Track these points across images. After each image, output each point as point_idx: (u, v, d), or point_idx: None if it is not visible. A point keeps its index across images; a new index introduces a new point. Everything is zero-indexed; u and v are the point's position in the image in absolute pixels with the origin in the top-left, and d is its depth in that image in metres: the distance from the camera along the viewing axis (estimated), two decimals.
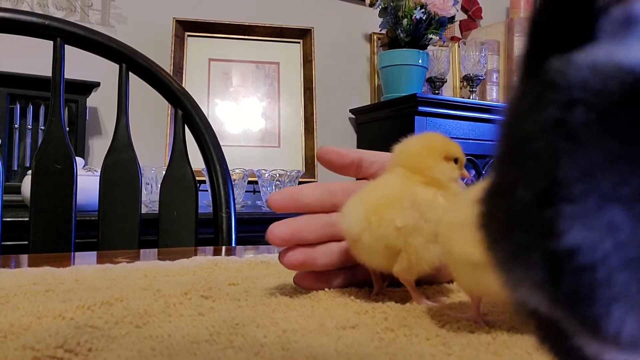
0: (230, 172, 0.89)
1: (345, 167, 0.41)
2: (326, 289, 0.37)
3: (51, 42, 0.78)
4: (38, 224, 0.73)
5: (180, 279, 0.41)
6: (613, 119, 0.11)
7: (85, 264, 0.47)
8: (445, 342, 0.26)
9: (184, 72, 1.76)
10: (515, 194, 0.12)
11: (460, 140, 1.80)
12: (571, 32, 0.12)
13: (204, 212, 0.87)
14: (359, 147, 2.11)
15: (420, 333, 0.27)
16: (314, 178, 1.79)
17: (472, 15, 2.44)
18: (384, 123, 1.94)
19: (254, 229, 1.51)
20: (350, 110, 2.10)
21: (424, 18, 1.80)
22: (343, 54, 2.12)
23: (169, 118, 1.66)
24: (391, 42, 1.92)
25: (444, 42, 2.11)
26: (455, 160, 0.36)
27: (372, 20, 2.05)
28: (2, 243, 0.74)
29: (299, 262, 0.36)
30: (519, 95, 0.13)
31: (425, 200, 0.34)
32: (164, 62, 1.65)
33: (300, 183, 1.69)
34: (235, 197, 0.95)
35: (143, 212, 0.81)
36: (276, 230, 0.35)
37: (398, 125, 1.86)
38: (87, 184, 1.17)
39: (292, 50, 1.91)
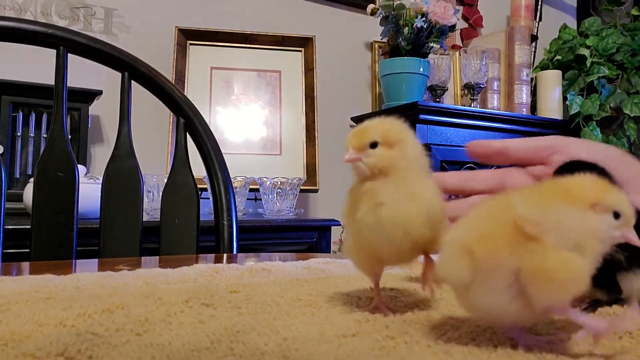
0: (232, 179, 0.89)
1: (491, 156, 0.47)
2: (330, 296, 0.37)
3: (54, 51, 0.78)
4: (40, 232, 0.73)
5: (181, 286, 0.41)
6: None
7: (86, 271, 0.47)
8: (447, 350, 0.26)
9: (186, 80, 1.77)
10: None
11: (461, 148, 1.80)
12: None
13: (205, 220, 0.88)
14: None
15: (421, 340, 0.27)
16: (315, 186, 1.79)
17: (473, 24, 2.45)
18: None
19: (255, 237, 1.51)
20: (352, 118, 2.10)
21: (425, 27, 1.81)
22: (344, 62, 2.13)
23: (170, 126, 1.67)
24: (392, 50, 1.92)
25: (444, 50, 2.12)
26: (616, 215, 0.26)
27: (373, 29, 2.06)
28: (4, 251, 0.74)
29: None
30: None
31: None
32: (166, 70, 1.66)
33: (301, 191, 1.69)
34: (236, 204, 0.95)
35: (144, 219, 0.81)
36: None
37: None
38: (89, 192, 1.17)
39: (294, 59, 1.92)
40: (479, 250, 0.26)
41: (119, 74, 0.83)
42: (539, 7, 2.47)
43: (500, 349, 0.26)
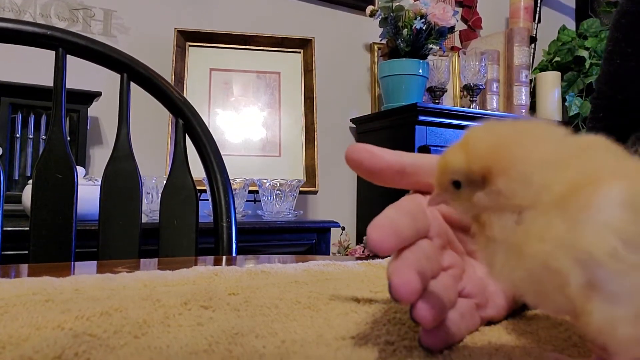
0: (231, 181, 0.89)
1: (379, 172, 0.30)
2: (332, 301, 0.37)
3: (53, 52, 0.78)
4: (38, 234, 0.73)
5: (180, 288, 0.41)
6: None
7: (85, 273, 0.47)
8: (447, 355, 0.26)
9: (185, 81, 1.77)
10: None
11: None
12: None
13: (204, 222, 0.87)
14: None
15: None
16: (315, 187, 1.79)
17: (472, 25, 2.46)
18: (385, 132, 1.94)
19: (254, 239, 1.51)
20: (351, 120, 2.10)
21: (424, 28, 1.81)
22: (343, 64, 2.13)
23: (169, 127, 1.67)
24: (391, 52, 1.92)
25: (444, 51, 2.12)
26: None
27: (372, 30, 2.07)
28: (2, 253, 0.74)
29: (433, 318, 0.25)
30: None
31: None
32: (166, 72, 1.66)
33: (301, 193, 1.69)
34: (235, 206, 0.95)
35: (143, 221, 0.81)
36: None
37: (398, 134, 1.86)
38: (88, 194, 1.17)
39: (293, 60, 1.92)
40: None
41: (118, 76, 0.83)
42: (538, 8, 2.47)
43: (501, 353, 0.26)
